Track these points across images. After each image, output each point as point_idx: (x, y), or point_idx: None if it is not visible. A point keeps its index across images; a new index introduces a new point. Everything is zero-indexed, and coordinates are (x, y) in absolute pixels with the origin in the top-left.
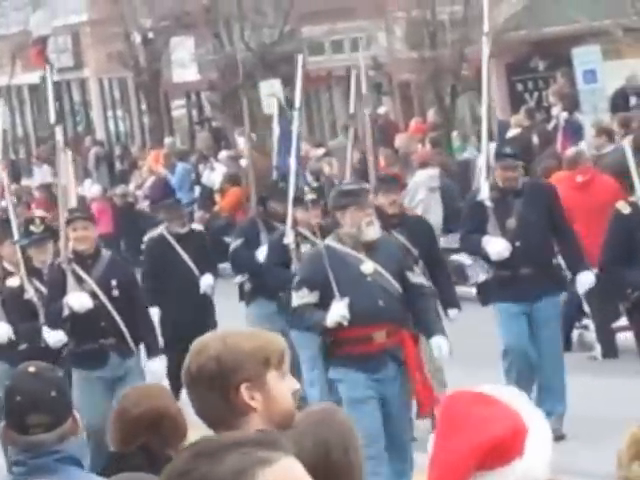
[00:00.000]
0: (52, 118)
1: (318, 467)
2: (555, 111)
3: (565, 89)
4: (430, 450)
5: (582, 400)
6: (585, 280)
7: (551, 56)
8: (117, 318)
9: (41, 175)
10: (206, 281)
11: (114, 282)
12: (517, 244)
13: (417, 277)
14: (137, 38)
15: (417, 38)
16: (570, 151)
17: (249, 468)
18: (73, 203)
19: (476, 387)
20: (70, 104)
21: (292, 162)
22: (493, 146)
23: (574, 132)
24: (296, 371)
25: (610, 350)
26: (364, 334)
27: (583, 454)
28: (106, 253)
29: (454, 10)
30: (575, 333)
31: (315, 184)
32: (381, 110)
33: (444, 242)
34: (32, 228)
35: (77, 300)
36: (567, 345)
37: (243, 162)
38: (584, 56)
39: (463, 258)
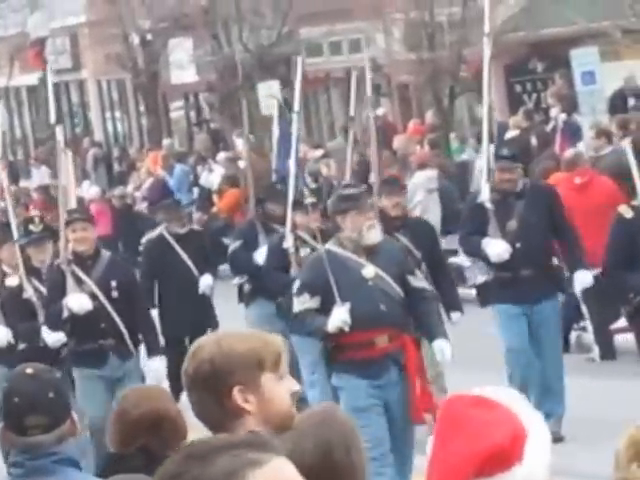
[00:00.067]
0: (52, 118)
1: (320, 468)
2: (553, 112)
3: (563, 90)
4: (429, 452)
5: (580, 402)
6: (582, 279)
7: (549, 57)
8: (117, 319)
9: (39, 176)
10: (205, 281)
11: (114, 283)
12: (517, 246)
13: (418, 281)
14: (135, 39)
15: (415, 39)
16: (569, 153)
17: (239, 470)
18: (73, 204)
19: (475, 389)
20: (68, 105)
21: (291, 165)
22: (492, 148)
23: (572, 133)
24: (295, 373)
25: (608, 352)
26: (366, 339)
27: (581, 456)
28: (106, 254)
29: (452, 11)
30: (573, 335)
31: (313, 185)
32: (379, 111)
33: (442, 244)
34: (31, 227)
35: (76, 302)
36: (565, 347)
37: (241, 163)
38: (582, 57)
39: (461, 260)
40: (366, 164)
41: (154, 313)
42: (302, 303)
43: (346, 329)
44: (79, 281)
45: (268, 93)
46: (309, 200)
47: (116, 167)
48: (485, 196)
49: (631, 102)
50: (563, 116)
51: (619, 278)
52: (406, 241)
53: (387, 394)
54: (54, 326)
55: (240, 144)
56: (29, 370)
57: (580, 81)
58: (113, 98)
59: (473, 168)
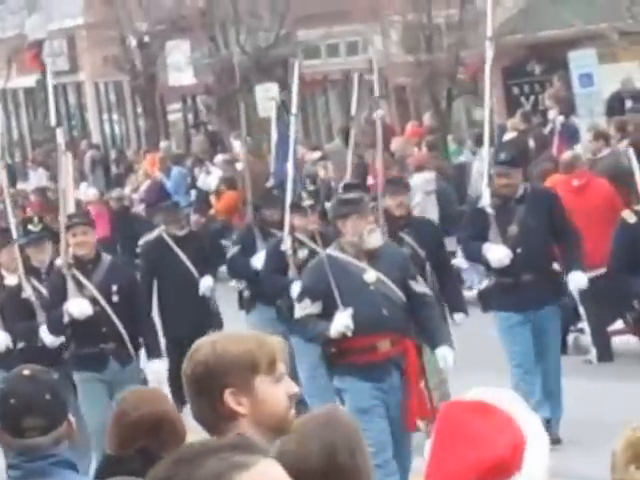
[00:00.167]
0: (53, 121)
1: (325, 470)
2: (551, 115)
3: (561, 93)
4: (426, 456)
5: (578, 404)
6: (577, 280)
7: (547, 60)
8: (117, 323)
9: (36, 179)
10: (205, 283)
11: (114, 287)
12: (518, 251)
13: (420, 286)
14: (133, 42)
15: (413, 42)
16: (567, 155)
17: (226, 472)
18: (71, 207)
19: (475, 391)
20: (66, 108)
21: (289, 167)
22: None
23: (570, 136)
24: (294, 375)
25: (605, 354)
26: (368, 344)
27: (579, 458)
28: (106, 258)
29: (450, 14)
30: (571, 336)
31: (311, 187)
32: (377, 114)
33: None
34: (30, 227)
35: (77, 307)
36: (562, 348)
37: (239, 166)
38: (580, 60)
39: (459, 262)
40: (364, 166)
41: (154, 315)
42: (303, 309)
43: (349, 334)
44: (80, 285)
45: (266, 95)
46: (307, 202)
47: (113, 169)
48: (486, 201)
49: (628, 104)
50: (561, 118)
51: (623, 283)
52: (410, 240)
53: (389, 398)
54: (56, 331)
55: (237, 146)
56: (26, 371)
57: (578, 83)
58: (110, 100)
59: (471, 170)
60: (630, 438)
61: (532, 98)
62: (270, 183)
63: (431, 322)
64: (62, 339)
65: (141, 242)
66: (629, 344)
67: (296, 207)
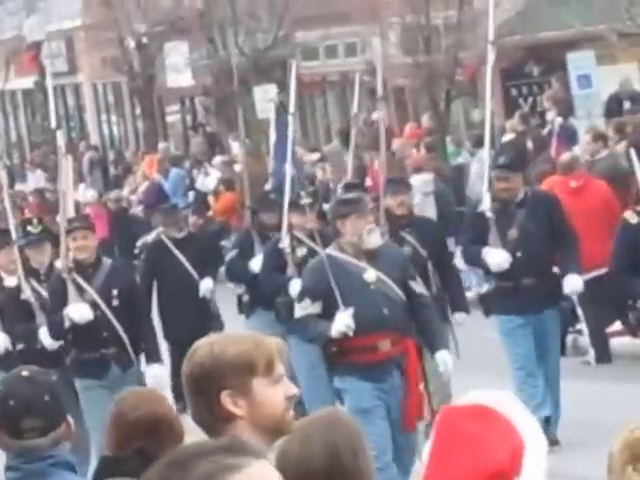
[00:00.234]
0: (53, 123)
1: (328, 471)
2: (550, 116)
3: (559, 94)
4: (425, 459)
5: (576, 405)
6: (573, 283)
7: (545, 61)
8: (118, 327)
9: (35, 180)
10: (206, 285)
11: (115, 291)
12: (518, 255)
13: (419, 287)
14: (131, 43)
15: (411, 43)
16: (565, 156)
17: (218, 475)
18: (70, 209)
19: (473, 394)
20: (64, 109)
21: (288, 167)
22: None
23: (568, 137)
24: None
25: (604, 355)
26: (369, 343)
27: (577, 459)
28: (107, 262)
29: (448, 15)
30: (569, 338)
31: (310, 188)
32: (375, 115)
33: None
34: (30, 228)
35: (77, 312)
36: (561, 350)
37: (237, 167)
38: (578, 61)
39: (457, 263)
40: (362, 168)
41: (154, 318)
42: (304, 309)
43: (350, 334)
44: (80, 290)
45: (264, 97)
46: (305, 200)
47: (112, 170)
48: (486, 205)
49: (627, 105)
50: (559, 120)
51: (625, 284)
52: (412, 240)
53: (390, 398)
54: (57, 336)
55: (236, 148)
56: (25, 373)
57: (576, 85)
58: (109, 101)
59: (469, 171)
60: (627, 439)
61: (530, 99)
62: (269, 185)
63: (431, 324)
64: (61, 341)
65: (139, 243)
66: (628, 345)
67: (294, 205)
